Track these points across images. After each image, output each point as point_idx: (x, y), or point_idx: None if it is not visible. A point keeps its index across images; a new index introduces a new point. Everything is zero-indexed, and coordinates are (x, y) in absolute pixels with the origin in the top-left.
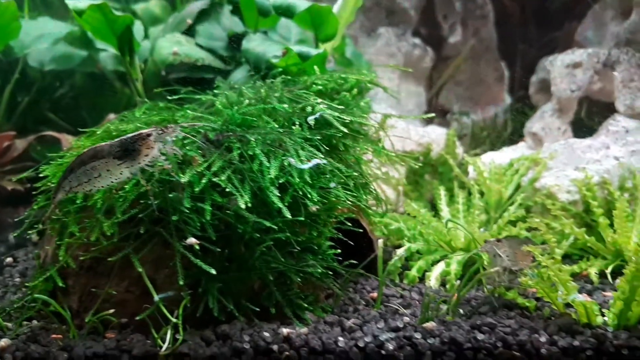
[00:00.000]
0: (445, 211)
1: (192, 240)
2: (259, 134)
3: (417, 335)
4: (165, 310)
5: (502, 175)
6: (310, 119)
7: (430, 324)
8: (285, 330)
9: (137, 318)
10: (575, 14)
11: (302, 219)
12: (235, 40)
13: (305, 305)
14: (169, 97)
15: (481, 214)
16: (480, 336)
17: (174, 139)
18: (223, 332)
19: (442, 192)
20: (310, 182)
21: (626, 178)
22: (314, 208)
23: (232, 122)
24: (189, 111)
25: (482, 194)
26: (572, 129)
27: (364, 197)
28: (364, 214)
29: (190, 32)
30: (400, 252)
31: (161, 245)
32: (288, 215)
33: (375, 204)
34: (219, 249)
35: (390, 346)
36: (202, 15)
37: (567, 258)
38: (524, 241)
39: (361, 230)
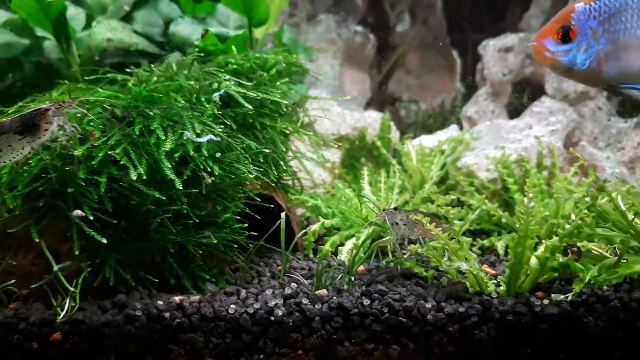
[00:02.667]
0: (367, 190)
1: (77, 212)
2: (160, 110)
3: (306, 302)
4: (64, 280)
5: (425, 156)
6: (215, 96)
7: (322, 291)
8: (177, 298)
9: (33, 287)
10: (522, 1)
11: (203, 192)
12: (170, 26)
13: (208, 277)
14: (86, 78)
15: (406, 192)
16: (367, 302)
17: (77, 113)
18: (119, 300)
19: (365, 172)
20: (207, 155)
21: (544, 156)
22: (208, 181)
23: (139, 99)
24: (100, 90)
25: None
26: (506, 111)
27: (276, 173)
28: (281, 192)
29: (129, 18)
30: (313, 227)
31: (65, 218)
32: (180, 187)
33: (292, 183)
34: (115, 221)
35: (280, 312)
36: (140, 2)
37: (483, 233)
38: (422, 212)
39: (272, 206)
